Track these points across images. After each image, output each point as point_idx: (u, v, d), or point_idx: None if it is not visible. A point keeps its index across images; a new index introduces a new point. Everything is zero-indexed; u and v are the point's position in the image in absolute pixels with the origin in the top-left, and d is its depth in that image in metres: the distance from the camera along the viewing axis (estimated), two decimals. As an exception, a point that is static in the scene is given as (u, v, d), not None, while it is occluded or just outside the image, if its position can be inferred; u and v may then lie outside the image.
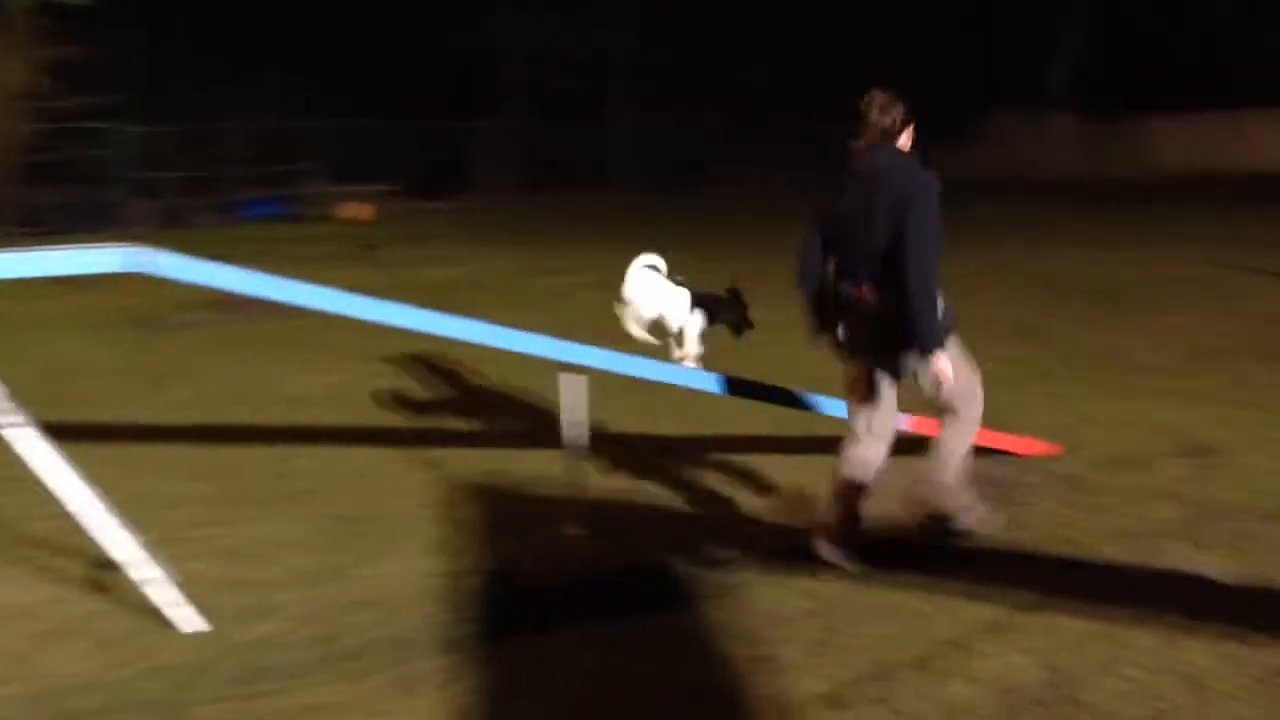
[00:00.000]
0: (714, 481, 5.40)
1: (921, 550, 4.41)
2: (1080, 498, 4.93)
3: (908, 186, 4.15)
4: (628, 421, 6.57)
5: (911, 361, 4.29)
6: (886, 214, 4.12)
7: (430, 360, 8.34)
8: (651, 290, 5.44)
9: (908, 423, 5.34)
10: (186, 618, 3.82)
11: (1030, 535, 4.48)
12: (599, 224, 23.16)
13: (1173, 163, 36.74)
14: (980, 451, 5.48)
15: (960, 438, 4.49)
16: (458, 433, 6.51)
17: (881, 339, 4.30)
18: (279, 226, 22.88)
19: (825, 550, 4.28)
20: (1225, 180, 31.09)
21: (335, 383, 7.91)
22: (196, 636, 3.79)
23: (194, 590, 3.93)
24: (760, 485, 5.31)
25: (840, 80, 35.40)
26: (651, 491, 5.30)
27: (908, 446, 5.55)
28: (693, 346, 5.42)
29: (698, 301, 5.46)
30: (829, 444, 5.73)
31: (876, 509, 4.84)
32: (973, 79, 39.48)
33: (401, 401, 7.27)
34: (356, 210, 24.70)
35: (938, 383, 4.28)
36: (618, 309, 5.59)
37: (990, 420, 5.93)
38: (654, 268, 5.56)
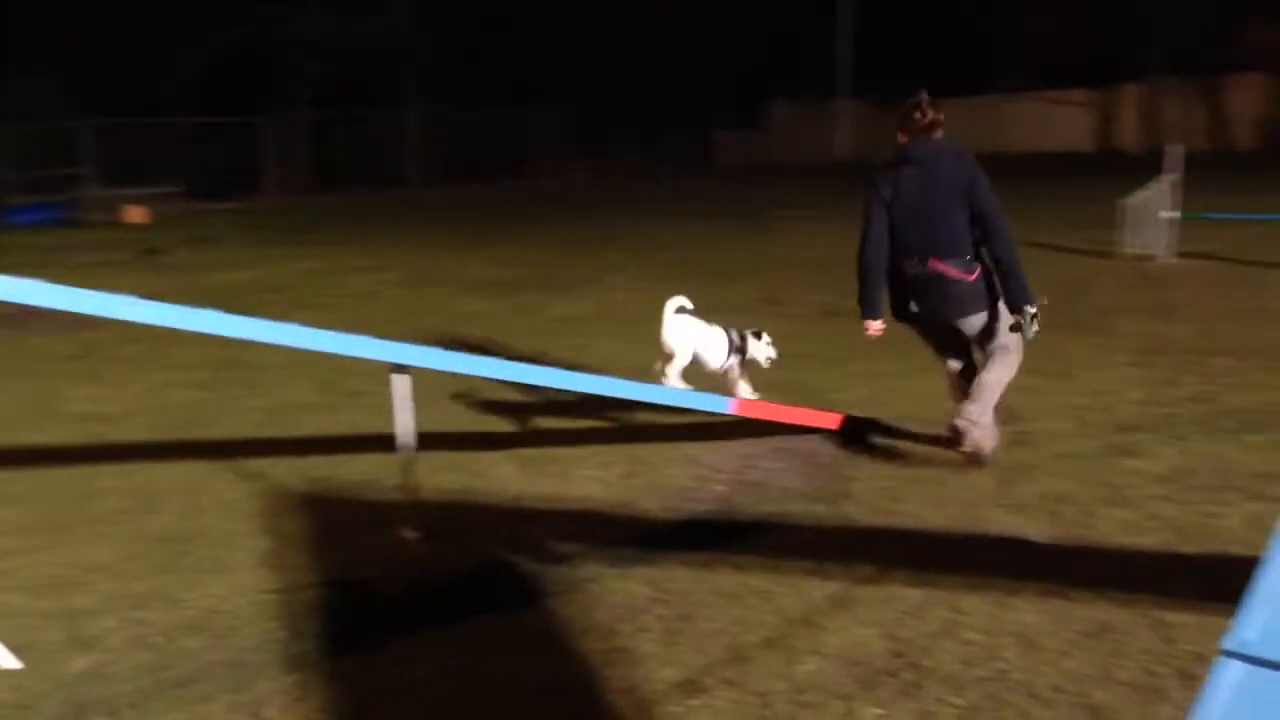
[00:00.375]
0: (550, 476, 5.36)
1: (755, 529, 4.49)
2: (901, 469, 5.11)
3: (970, 167, 4.94)
4: (458, 420, 6.48)
5: (988, 317, 4.97)
6: (957, 193, 4.86)
7: (237, 368, 8.02)
8: (689, 334, 5.79)
9: (733, 406, 5.43)
10: (-1, 656, 3.56)
11: (861, 510, 4.62)
12: (399, 220, 22.76)
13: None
14: (804, 431, 5.68)
15: (1010, 369, 5.04)
16: (277, 441, 6.27)
17: (963, 303, 4.94)
18: (54, 233, 21.61)
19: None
20: (986, 160, 32.89)
21: (136, 396, 7.50)
22: (12, 675, 3.52)
23: (4, 625, 3.66)
24: (596, 477, 5.30)
25: (615, 69, 35.73)
26: (487, 490, 5.22)
27: (720, 430, 5.68)
28: (745, 389, 5.87)
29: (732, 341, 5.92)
30: (664, 432, 5.84)
31: (707, 494, 4.94)
32: (756, 68, 40.52)
33: (213, 412, 6.97)
34: (135, 214, 23.57)
35: (1006, 329, 4.96)
36: (657, 367, 5.89)
37: (808, 397, 6.14)
38: (685, 309, 5.88)
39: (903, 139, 5.07)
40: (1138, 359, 7.05)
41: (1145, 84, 33.27)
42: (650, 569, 4.13)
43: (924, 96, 5.08)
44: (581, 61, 35.79)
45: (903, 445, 5.47)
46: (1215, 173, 20.10)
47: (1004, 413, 5.93)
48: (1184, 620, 3.45)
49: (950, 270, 4.92)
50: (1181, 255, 11.18)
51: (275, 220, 23.97)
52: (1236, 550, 3.98)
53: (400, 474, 4.68)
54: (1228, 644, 1.33)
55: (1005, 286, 4.90)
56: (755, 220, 18.46)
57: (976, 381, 5.04)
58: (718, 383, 6.00)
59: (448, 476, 5.41)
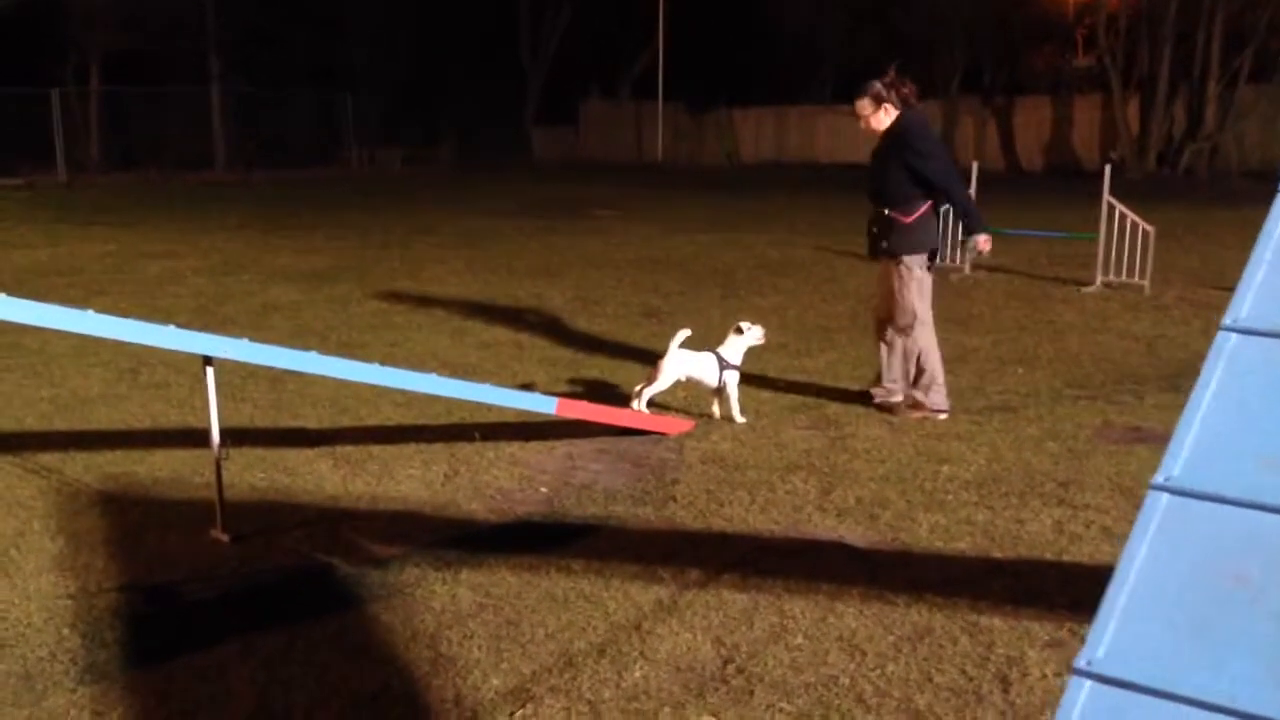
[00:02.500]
0: (368, 475, 5.18)
1: (581, 532, 4.45)
2: (724, 473, 5.15)
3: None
4: (268, 414, 6.21)
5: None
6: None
7: (19, 354, 7.49)
8: (682, 366, 5.96)
9: (557, 406, 5.37)
10: None
11: (687, 513, 4.63)
12: (203, 204, 21.79)
13: (754, 151, 39.79)
14: (626, 433, 5.67)
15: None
16: (70, 434, 5.86)
17: None
18: None
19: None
20: (793, 167, 33.99)
21: (-93, 381, 6.91)
22: None
23: None
24: (417, 476, 5.15)
25: (434, 59, 35.15)
26: (301, 489, 5.01)
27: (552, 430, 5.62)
28: (736, 409, 5.94)
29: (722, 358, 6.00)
30: (486, 431, 5.72)
31: (531, 495, 4.86)
32: (570, 67, 40.66)
33: (-6, 400, 6.47)
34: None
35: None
36: (638, 388, 6.01)
37: (629, 400, 6.13)
38: (686, 345, 6.00)
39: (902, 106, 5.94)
40: (945, 368, 7.31)
41: (943, 102, 34.81)
42: (476, 573, 4.02)
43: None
44: (397, 50, 35.03)
45: (725, 448, 5.52)
46: (1005, 190, 21.23)
47: (822, 418, 6.10)
48: (998, 625, 3.58)
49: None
50: (977, 268, 11.71)
51: (68, 199, 22.61)
52: (1045, 555, 4.15)
53: (208, 471, 4.43)
54: (1079, 662, 1.34)
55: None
56: (570, 218, 18.44)
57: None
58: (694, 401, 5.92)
59: (258, 475, 5.17)
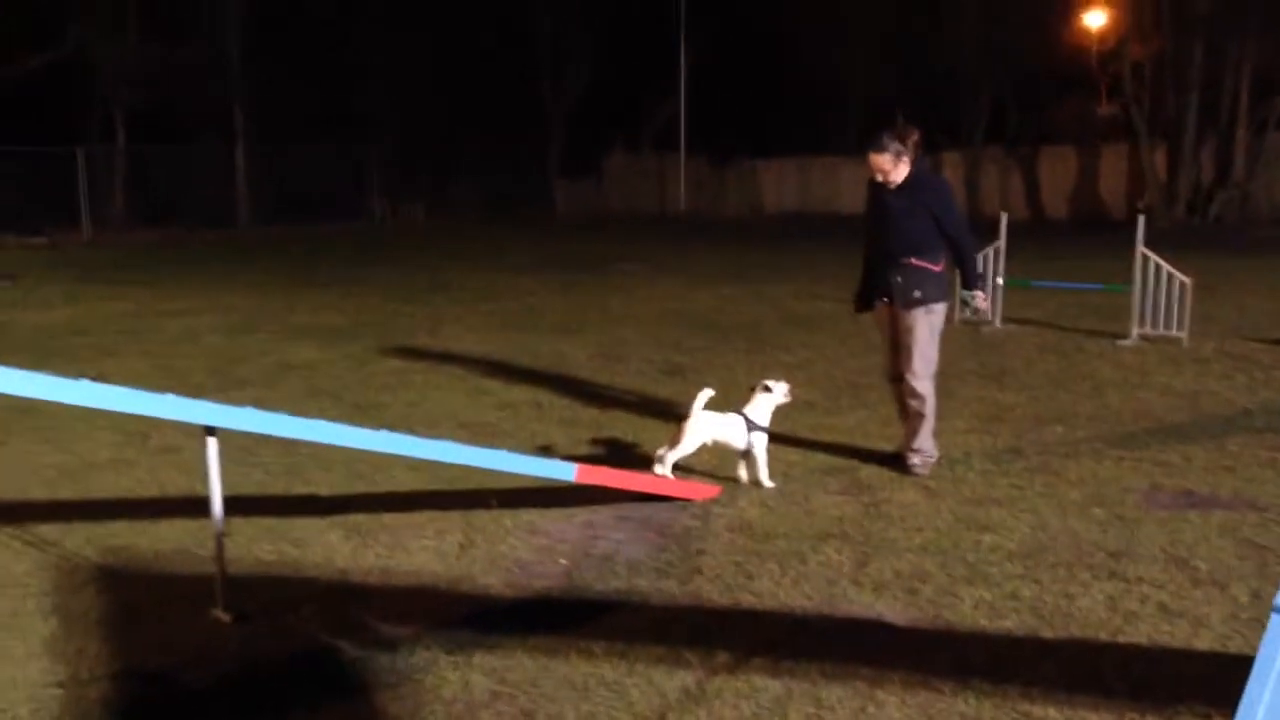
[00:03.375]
0: (379, 546, 4.95)
1: (602, 608, 4.19)
2: (752, 543, 4.89)
3: None
4: (277, 481, 6.00)
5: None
6: None
7: (31, 416, 7.32)
8: (709, 427, 5.75)
9: (577, 473, 5.14)
10: None
11: (714, 587, 4.37)
12: (223, 261, 21.83)
13: (777, 202, 39.77)
14: (648, 498, 5.43)
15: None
16: (73, 504, 5.67)
17: None
18: None
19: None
20: (819, 219, 33.88)
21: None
22: None
23: None
24: (431, 547, 4.91)
25: (455, 111, 35.31)
26: (309, 562, 4.78)
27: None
28: (764, 473, 5.75)
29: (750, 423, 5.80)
30: (504, 498, 5.48)
31: (550, 568, 4.62)
32: (593, 121, 40.89)
33: None
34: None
35: None
36: (661, 451, 5.80)
37: (646, 464, 5.90)
38: (710, 405, 5.81)
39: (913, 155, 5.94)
40: (978, 425, 7.06)
41: (965, 151, 34.67)
42: (490, 656, 3.78)
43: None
44: (419, 102, 35.25)
45: (752, 515, 5.27)
46: (1031, 240, 20.96)
47: (854, 482, 5.84)
48: (1053, 716, 3.30)
49: None
50: (1007, 320, 11.45)
51: (90, 258, 22.69)
52: (1099, 635, 3.87)
53: (212, 545, 4.21)
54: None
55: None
56: (593, 272, 18.30)
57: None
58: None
59: (265, 547, 4.94)
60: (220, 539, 4.18)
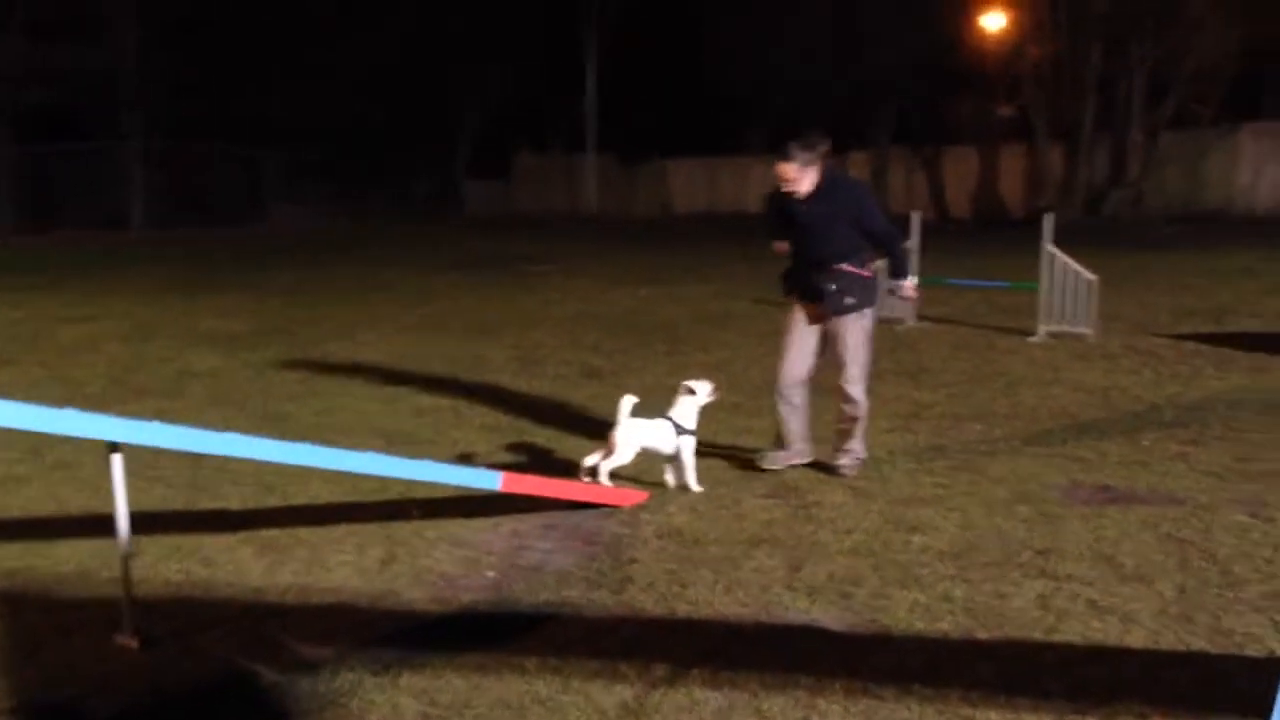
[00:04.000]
0: (296, 562, 4.76)
1: (534, 622, 4.07)
2: (683, 549, 4.81)
3: None
4: (186, 495, 5.77)
5: None
6: None
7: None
8: (639, 434, 5.61)
9: (502, 482, 5.00)
10: None
11: (648, 597, 4.28)
12: (120, 265, 21.15)
13: (687, 202, 39.89)
14: (575, 506, 5.32)
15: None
16: (-36, 523, 5.37)
17: None
18: None
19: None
20: (729, 219, 34.08)
21: None
22: None
23: None
24: (351, 563, 4.74)
25: (360, 112, 34.66)
26: (220, 581, 4.57)
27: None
28: (693, 478, 5.68)
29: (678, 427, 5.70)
30: (426, 508, 5.32)
31: (478, 580, 4.48)
32: (502, 120, 40.61)
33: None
34: None
35: None
36: (589, 461, 5.67)
37: (572, 470, 5.79)
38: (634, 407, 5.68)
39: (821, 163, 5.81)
40: (900, 424, 7.08)
41: (873, 152, 35.12)
42: (418, 676, 3.63)
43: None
44: (324, 103, 34.57)
45: (682, 521, 5.18)
46: (937, 239, 21.25)
47: (781, 484, 5.79)
48: (992, 718, 3.27)
49: None
50: (921, 318, 11.57)
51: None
52: (1033, 635, 3.86)
53: (116, 565, 4.00)
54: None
55: None
56: (505, 273, 18.10)
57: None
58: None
59: (172, 566, 4.72)
60: (127, 560, 3.96)
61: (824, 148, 5.80)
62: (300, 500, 5.68)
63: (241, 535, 5.09)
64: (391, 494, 5.65)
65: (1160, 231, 23.77)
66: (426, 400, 8.06)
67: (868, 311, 5.89)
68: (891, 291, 6.28)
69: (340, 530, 5.15)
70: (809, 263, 5.90)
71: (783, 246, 6.07)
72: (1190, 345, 9.95)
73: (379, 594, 4.42)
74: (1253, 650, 3.70)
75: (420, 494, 5.57)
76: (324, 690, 3.56)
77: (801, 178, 5.76)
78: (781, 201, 5.90)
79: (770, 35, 33.95)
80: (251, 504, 5.64)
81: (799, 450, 6.06)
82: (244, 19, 32.55)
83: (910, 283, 6.24)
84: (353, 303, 14.30)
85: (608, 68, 38.41)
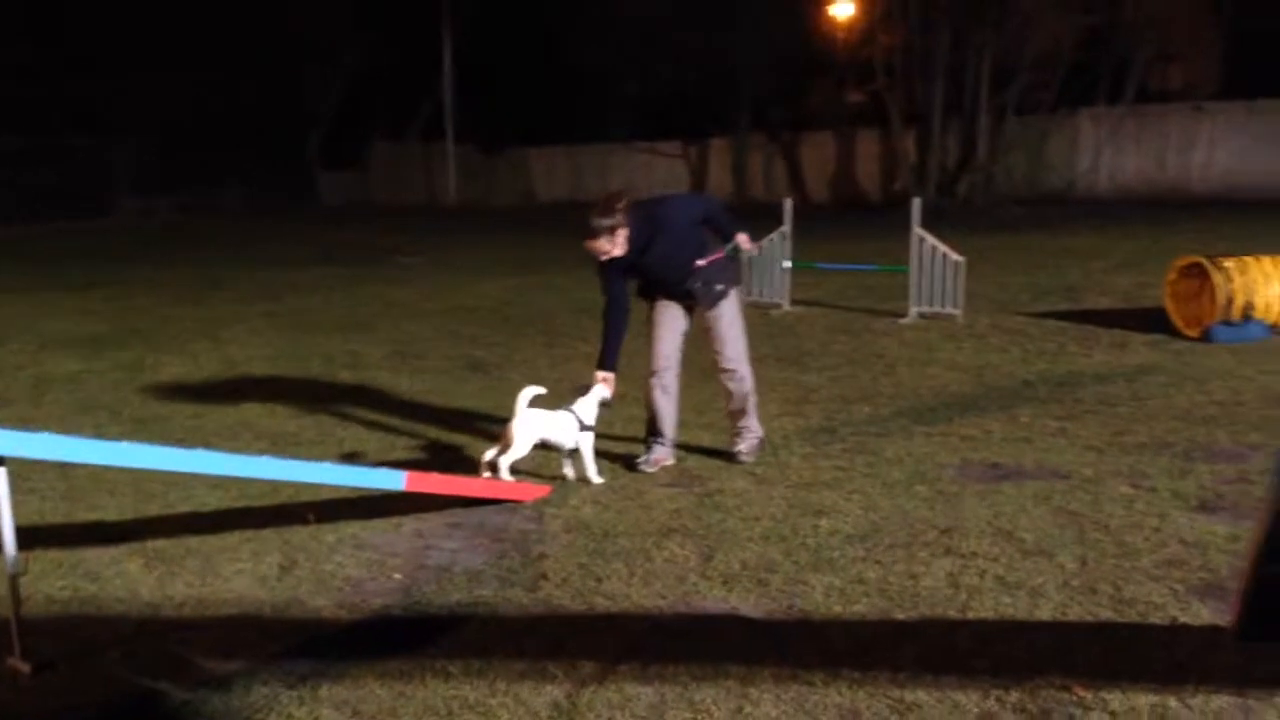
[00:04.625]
0: (189, 574, 4.55)
1: (450, 624, 3.98)
2: (593, 543, 4.76)
3: None
4: (61, 506, 5.47)
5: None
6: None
7: None
8: (537, 426, 5.51)
9: (407, 481, 4.88)
10: None
11: (564, 593, 4.22)
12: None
13: (549, 191, 39.72)
14: (477, 503, 5.23)
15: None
16: None
17: None
18: None
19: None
20: (588, 207, 33.97)
21: None
22: None
23: None
24: (248, 571, 4.55)
25: (208, 101, 33.54)
26: (110, 597, 4.34)
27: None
28: (593, 470, 5.62)
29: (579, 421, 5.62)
30: (321, 511, 5.14)
31: (385, 584, 4.36)
32: (356, 109, 39.80)
33: None
34: None
35: None
36: (488, 456, 5.57)
37: (468, 466, 5.70)
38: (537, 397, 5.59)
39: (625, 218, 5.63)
40: (790, 409, 7.16)
41: (731, 138, 35.52)
42: (338, 686, 3.50)
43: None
44: (169, 92, 33.30)
45: (588, 514, 5.14)
46: (798, 224, 21.59)
47: (683, 473, 5.79)
48: (924, 699, 3.31)
49: None
50: (796, 303, 11.74)
51: None
52: (948, 613, 3.93)
53: (1, 585, 3.76)
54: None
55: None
56: (370, 266, 17.73)
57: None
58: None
59: (55, 583, 4.47)
60: (15, 579, 3.72)
61: (622, 202, 5.62)
62: (185, 508, 5.44)
63: (126, 547, 4.85)
64: (282, 498, 5.47)
65: (1010, 213, 24.66)
66: (306, 399, 7.81)
67: (733, 291, 5.93)
68: (735, 253, 6.00)
69: (233, 538, 4.95)
70: (669, 283, 5.85)
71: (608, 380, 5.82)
72: (1052, 323, 10.32)
73: (282, 603, 4.26)
74: (1156, 619, 3.84)
75: (313, 497, 5.41)
76: (238, 706, 3.41)
77: (615, 243, 5.58)
78: (613, 266, 5.70)
79: (620, 21, 34.01)
80: (132, 514, 5.38)
81: (669, 445, 5.97)
82: (89, 6, 31.11)
83: (745, 237, 6.01)
84: (213, 300, 13.81)
85: (465, 56, 37.87)
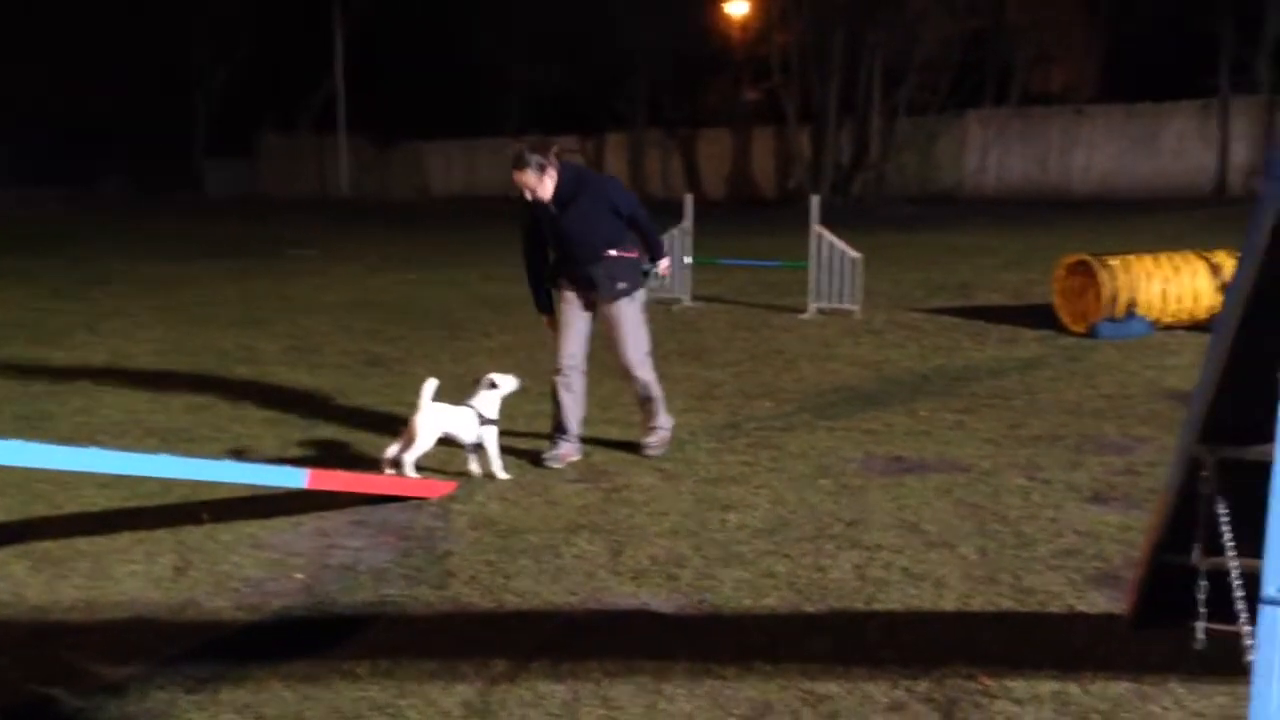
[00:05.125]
0: (79, 576, 4.38)
1: (356, 624, 3.90)
2: (500, 539, 4.71)
3: None
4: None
5: None
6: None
7: None
8: (439, 420, 5.44)
9: (308, 479, 4.78)
10: None
11: (472, 590, 4.16)
12: None
13: (444, 184, 39.35)
14: (380, 500, 5.14)
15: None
16: None
17: None
18: None
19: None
20: (489, 201, 33.85)
21: None
22: None
23: None
24: (142, 572, 4.40)
25: (88, 91, 32.47)
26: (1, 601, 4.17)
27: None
28: (498, 464, 5.56)
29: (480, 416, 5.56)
30: (217, 510, 5.00)
31: (287, 584, 4.25)
32: (244, 98, 38.94)
33: None
34: None
35: None
36: (390, 452, 5.48)
37: (371, 463, 5.61)
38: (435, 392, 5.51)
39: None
40: (694, 404, 7.18)
41: (628, 134, 35.59)
42: (240, 690, 3.40)
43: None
44: (47, 80, 32.10)
45: (494, 510, 5.08)
46: (696, 220, 21.71)
47: (589, 468, 5.77)
48: (835, 691, 3.34)
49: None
50: (697, 298, 11.80)
51: None
52: (856, 605, 3.98)
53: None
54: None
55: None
56: (262, 259, 17.33)
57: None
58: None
59: (-61, 587, 4.26)
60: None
61: (554, 148, 5.74)
62: (72, 509, 5.24)
63: (12, 550, 4.65)
64: (175, 497, 5.30)
65: (902, 211, 25.17)
66: (199, 395, 7.59)
67: (637, 294, 5.93)
68: (647, 274, 6.07)
69: (124, 538, 4.78)
70: (577, 258, 5.84)
71: (552, 322, 6.04)
72: (945, 319, 10.55)
73: (178, 605, 4.12)
74: (1055, 608, 3.94)
75: (208, 495, 5.25)
76: (134, 712, 3.29)
77: (538, 183, 5.64)
78: (535, 212, 5.77)
79: (513, 14, 33.85)
80: (17, 515, 5.16)
81: (575, 441, 5.96)
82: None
83: (665, 263, 6.20)
84: (97, 294, 13.35)
85: (359, 46, 37.24)
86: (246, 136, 41.72)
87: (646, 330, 6.01)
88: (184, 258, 17.47)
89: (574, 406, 5.93)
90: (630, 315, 5.90)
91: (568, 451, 5.88)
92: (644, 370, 5.97)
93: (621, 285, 5.85)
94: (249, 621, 3.98)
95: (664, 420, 6.04)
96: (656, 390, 6.00)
